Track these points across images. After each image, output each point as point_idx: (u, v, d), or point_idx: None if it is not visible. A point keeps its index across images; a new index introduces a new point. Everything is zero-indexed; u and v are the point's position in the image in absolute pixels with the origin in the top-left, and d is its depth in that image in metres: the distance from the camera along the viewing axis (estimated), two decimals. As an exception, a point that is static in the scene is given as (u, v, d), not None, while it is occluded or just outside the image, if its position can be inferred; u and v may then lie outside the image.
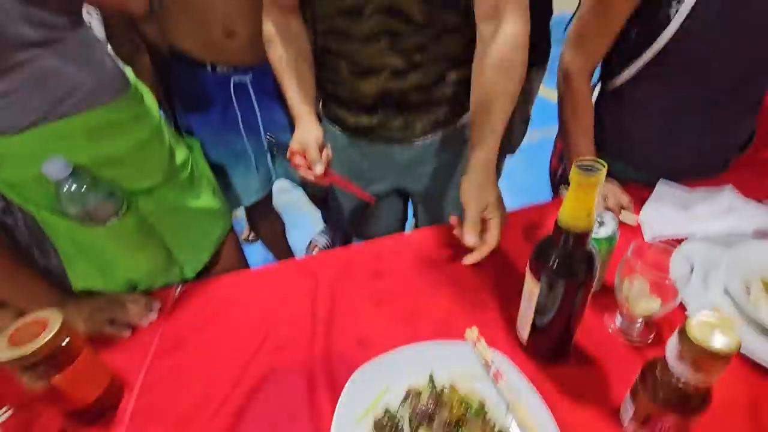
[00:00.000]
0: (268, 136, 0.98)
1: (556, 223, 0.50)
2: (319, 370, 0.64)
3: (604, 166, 0.45)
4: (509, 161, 1.66)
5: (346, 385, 0.59)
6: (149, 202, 0.75)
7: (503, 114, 0.73)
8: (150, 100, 0.76)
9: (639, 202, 0.88)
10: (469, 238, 0.71)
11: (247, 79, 0.99)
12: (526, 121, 1.54)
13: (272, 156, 1.14)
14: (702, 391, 0.46)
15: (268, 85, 1.00)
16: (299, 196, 1.39)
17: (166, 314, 0.75)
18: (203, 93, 1.01)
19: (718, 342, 0.40)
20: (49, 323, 0.53)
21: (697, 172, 0.91)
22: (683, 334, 0.42)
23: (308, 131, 0.77)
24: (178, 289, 0.80)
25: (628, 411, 0.53)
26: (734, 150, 0.92)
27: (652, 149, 0.87)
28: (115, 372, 0.64)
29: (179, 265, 0.86)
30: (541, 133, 2.46)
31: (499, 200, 0.74)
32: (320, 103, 0.94)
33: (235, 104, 1.02)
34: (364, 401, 0.59)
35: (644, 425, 0.51)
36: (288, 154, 0.78)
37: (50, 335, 0.52)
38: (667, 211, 0.85)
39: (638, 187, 0.91)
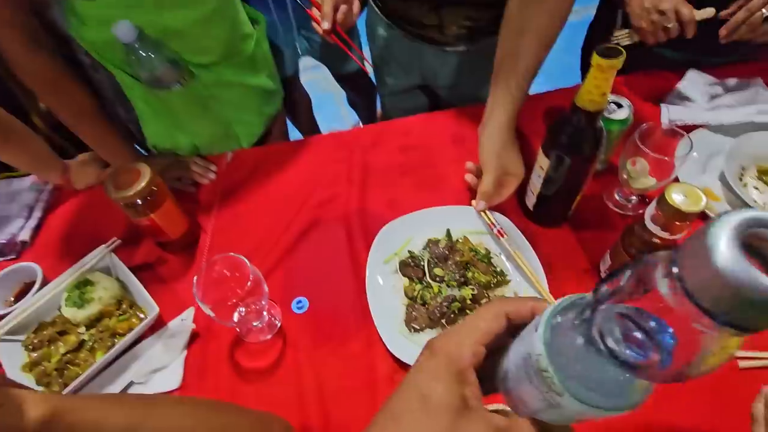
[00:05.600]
0: None
1: (572, 102, 0.56)
2: (355, 222, 0.78)
3: (622, 53, 0.49)
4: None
5: (378, 234, 0.73)
6: (209, 76, 0.81)
7: (532, 59, 0.63)
8: None
9: (668, 89, 0.89)
10: (480, 205, 0.70)
11: None
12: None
13: (299, 31, 1.15)
14: (668, 246, 0.57)
15: None
16: (325, 75, 1.40)
17: (223, 175, 0.88)
18: None
19: (685, 205, 0.50)
20: (141, 172, 0.66)
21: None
22: (662, 197, 0.51)
23: None
24: (230, 156, 0.91)
25: (605, 264, 0.66)
26: None
27: None
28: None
29: (236, 136, 0.95)
30: (584, 11, 2.24)
31: (519, 161, 0.69)
32: None
33: None
34: (392, 247, 0.73)
35: (616, 273, 0.64)
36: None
37: (146, 180, 0.65)
38: (690, 99, 0.87)
39: (668, 75, 0.91)
